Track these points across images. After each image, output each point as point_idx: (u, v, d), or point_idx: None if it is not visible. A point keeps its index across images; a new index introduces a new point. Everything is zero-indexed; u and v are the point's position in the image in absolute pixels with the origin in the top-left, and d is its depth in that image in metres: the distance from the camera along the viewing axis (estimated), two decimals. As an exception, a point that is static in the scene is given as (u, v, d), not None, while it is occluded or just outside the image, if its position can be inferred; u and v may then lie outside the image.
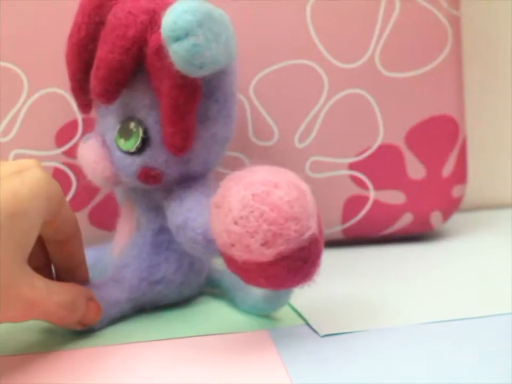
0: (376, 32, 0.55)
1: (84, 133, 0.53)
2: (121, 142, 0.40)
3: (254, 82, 0.54)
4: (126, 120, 0.40)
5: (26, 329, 0.40)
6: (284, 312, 0.42)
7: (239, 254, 0.33)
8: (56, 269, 0.40)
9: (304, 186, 0.35)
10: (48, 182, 0.35)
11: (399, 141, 0.57)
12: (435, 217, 0.58)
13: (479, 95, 0.70)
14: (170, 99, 0.37)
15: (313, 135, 0.55)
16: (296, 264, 0.33)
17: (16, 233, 0.32)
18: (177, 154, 0.39)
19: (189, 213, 0.39)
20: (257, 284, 0.35)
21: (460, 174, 0.58)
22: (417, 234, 0.60)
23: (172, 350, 0.36)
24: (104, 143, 0.41)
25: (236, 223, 0.33)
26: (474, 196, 0.69)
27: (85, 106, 0.43)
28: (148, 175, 0.40)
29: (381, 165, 0.56)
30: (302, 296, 0.44)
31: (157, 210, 0.43)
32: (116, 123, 0.41)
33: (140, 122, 0.40)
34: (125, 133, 0.40)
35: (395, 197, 0.57)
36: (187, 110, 0.38)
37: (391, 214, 0.58)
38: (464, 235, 0.61)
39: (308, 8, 0.54)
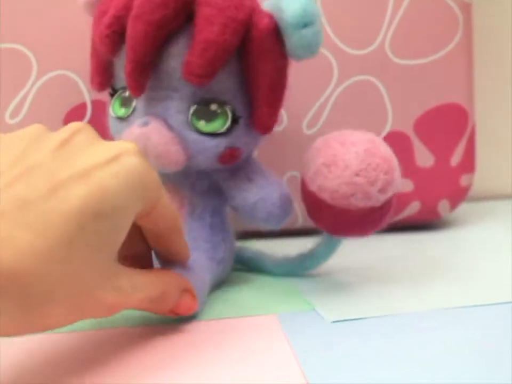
0: (387, 19, 0.55)
1: (92, 116, 0.53)
2: (201, 124, 0.40)
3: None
4: (202, 102, 0.40)
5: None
6: (292, 298, 0.42)
7: (357, 203, 0.39)
8: (156, 254, 0.38)
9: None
10: (144, 170, 0.31)
11: (407, 129, 0.57)
12: (442, 206, 0.58)
13: (488, 84, 0.70)
14: (272, 80, 0.40)
15: (321, 121, 0.55)
16: (390, 208, 0.41)
17: (102, 234, 0.29)
18: (266, 133, 0.42)
19: (263, 190, 0.42)
20: (352, 232, 0.42)
21: (468, 163, 0.58)
22: (425, 223, 0.60)
23: (178, 335, 0.36)
24: (169, 126, 0.40)
25: (357, 175, 0.39)
26: (482, 185, 0.68)
27: (142, 87, 0.39)
28: (231, 155, 0.41)
29: (389, 153, 0.56)
30: (310, 283, 0.44)
31: (213, 191, 0.44)
32: (185, 106, 0.40)
33: (224, 104, 0.40)
34: (205, 115, 0.40)
35: (403, 185, 0.57)
36: (282, 90, 0.42)
37: (398, 201, 0.57)
38: (472, 224, 0.61)
39: (319, -6, 0.54)
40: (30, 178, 0.28)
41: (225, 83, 0.40)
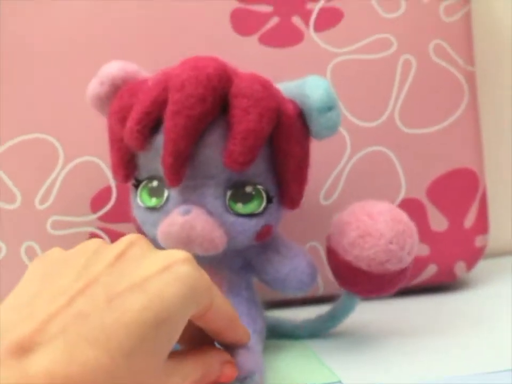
0: (394, 91, 0.57)
1: (117, 199, 0.55)
2: (239, 206, 0.42)
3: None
4: (237, 186, 0.42)
5: None
6: (317, 369, 0.43)
7: (392, 267, 0.44)
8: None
9: None
10: (197, 278, 0.33)
11: (420, 195, 0.58)
12: (459, 267, 0.60)
13: (496, 144, 0.71)
14: (300, 160, 0.44)
15: (337, 192, 0.57)
16: (411, 266, 0.46)
17: (160, 342, 0.30)
18: (294, 208, 0.45)
19: (292, 261, 0.45)
20: (380, 293, 0.46)
21: (482, 224, 0.60)
22: (442, 284, 0.61)
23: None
24: (208, 212, 0.42)
25: (391, 242, 0.43)
26: (497, 242, 0.70)
27: (180, 179, 0.41)
28: (267, 232, 0.44)
29: (404, 219, 0.58)
30: (333, 351, 0.46)
31: (246, 268, 0.46)
32: (222, 191, 0.42)
33: (257, 185, 0.43)
34: (241, 198, 0.42)
35: (419, 249, 0.57)
36: (308, 168, 0.45)
37: (415, 266, 0.58)
38: (489, 282, 0.62)
39: (329, 70, 0.57)
40: (89, 294, 0.30)
41: (258, 166, 0.42)
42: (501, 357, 0.42)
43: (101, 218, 0.55)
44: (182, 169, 0.40)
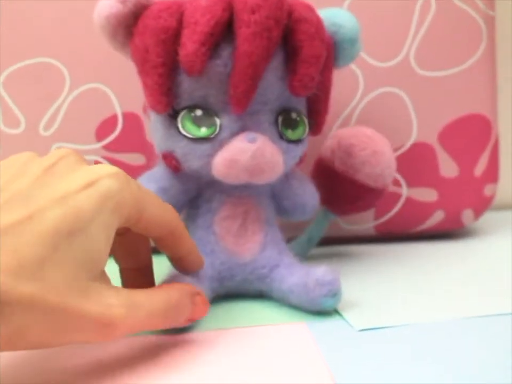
0: (412, 31, 0.56)
1: (123, 128, 0.54)
2: (289, 132, 0.42)
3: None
4: (283, 112, 0.41)
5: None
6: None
7: (388, 182, 0.50)
8: (171, 263, 0.39)
9: None
10: (120, 191, 0.32)
11: (432, 140, 0.57)
12: (466, 216, 0.59)
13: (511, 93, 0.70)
14: (329, 90, 0.44)
15: (348, 132, 0.56)
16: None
17: (76, 253, 0.30)
18: (315, 135, 0.45)
19: (309, 187, 0.47)
20: (370, 208, 0.52)
21: (492, 173, 0.59)
22: (448, 232, 0.61)
23: (212, 341, 0.37)
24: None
25: (390, 160, 0.50)
26: (505, 195, 0.69)
27: (247, 105, 0.39)
28: (303, 158, 0.45)
29: (414, 163, 0.57)
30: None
31: (269, 197, 0.45)
32: (274, 117, 0.41)
33: (299, 112, 0.42)
34: (290, 124, 0.42)
35: (427, 195, 0.58)
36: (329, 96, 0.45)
37: (423, 211, 0.58)
38: (495, 233, 0.62)
39: (345, 7, 0.55)
40: (11, 205, 0.29)
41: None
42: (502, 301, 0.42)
43: (106, 147, 0.54)
44: (252, 95, 0.39)
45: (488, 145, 0.58)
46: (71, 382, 0.32)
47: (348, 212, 0.52)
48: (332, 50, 0.43)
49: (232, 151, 0.39)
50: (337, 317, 0.41)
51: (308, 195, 0.47)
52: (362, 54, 0.55)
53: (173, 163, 0.42)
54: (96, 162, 0.54)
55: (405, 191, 0.57)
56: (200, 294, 0.37)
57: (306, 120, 0.43)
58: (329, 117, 0.55)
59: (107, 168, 0.32)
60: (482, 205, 0.59)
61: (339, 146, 0.49)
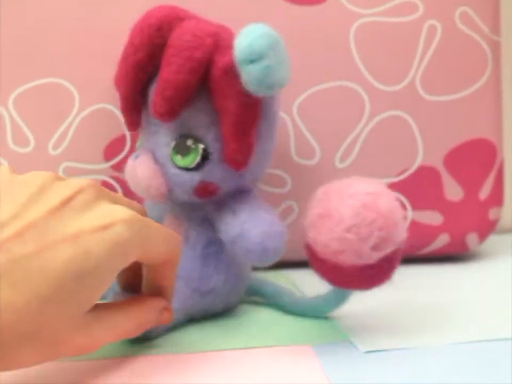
0: (418, 56, 0.57)
1: (132, 148, 0.55)
2: (178, 158, 0.42)
3: (297, 102, 0.56)
4: (182, 137, 0.42)
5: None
6: (326, 328, 0.43)
7: (347, 259, 0.37)
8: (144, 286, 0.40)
9: (394, 194, 0.39)
10: (129, 238, 0.33)
11: (437, 163, 0.58)
12: (471, 239, 0.59)
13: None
14: (236, 117, 0.40)
15: (353, 155, 0.57)
16: (391, 265, 0.39)
17: (79, 295, 0.31)
18: (237, 169, 0.42)
19: (244, 224, 0.41)
20: (348, 286, 0.40)
21: (497, 197, 0.59)
22: (453, 255, 0.61)
23: (214, 363, 0.37)
24: (156, 160, 0.43)
25: (348, 231, 0.36)
26: (510, 218, 0.69)
27: (134, 124, 0.44)
28: (205, 190, 0.42)
29: (420, 186, 0.58)
30: (342, 312, 0.45)
31: (206, 223, 0.44)
32: (169, 140, 0.42)
33: (198, 140, 0.42)
34: (181, 149, 0.42)
35: (432, 218, 0.58)
36: (250, 126, 0.41)
37: (427, 234, 0.58)
38: (500, 256, 0.62)
39: (352, 32, 0.56)
40: (22, 238, 0.30)
41: (198, 119, 0.42)
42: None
43: (114, 167, 0.55)
44: (132, 116, 0.44)
45: (493, 169, 0.58)
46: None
47: (332, 284, 0.41)
48: (235, 74, 0.39)
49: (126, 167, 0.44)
50: (343, 339, 0.41)
51: (238, 234, 0.41)
52: (369, 78, 0.56)
53: None
54: (104, 182, 0.55)
55: (410, 213, 0.58)
56: (168, 309, 0.39)
57: (201, 149, 0.41)
58: (334, 141, 0.56)
59: (123, 213, 0.33)
60: (487, 228, 0.60)
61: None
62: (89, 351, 0.33)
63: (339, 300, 0.43)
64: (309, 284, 0.52)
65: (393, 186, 0.57)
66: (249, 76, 0.38)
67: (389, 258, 0.38)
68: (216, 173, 0.42)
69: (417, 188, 0.58)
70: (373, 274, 0.38)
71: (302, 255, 0.57)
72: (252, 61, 0.38)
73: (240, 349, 0.39)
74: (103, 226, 0.32)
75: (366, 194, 0.37)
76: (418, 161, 0.57)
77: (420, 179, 0.58)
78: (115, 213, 0.33)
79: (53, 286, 0.30)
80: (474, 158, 0.58)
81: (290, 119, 0.56)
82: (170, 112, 0.40)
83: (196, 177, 0.42)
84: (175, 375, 0.36)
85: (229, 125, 0.40)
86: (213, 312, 0.45)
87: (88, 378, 0.35)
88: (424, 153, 0.57)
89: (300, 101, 0.56)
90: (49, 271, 0.30)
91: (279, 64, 0.38)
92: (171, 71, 0.40)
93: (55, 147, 0.55)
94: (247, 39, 0.38)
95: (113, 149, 0.55)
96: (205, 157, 0.42)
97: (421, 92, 0.57)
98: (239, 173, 0.42)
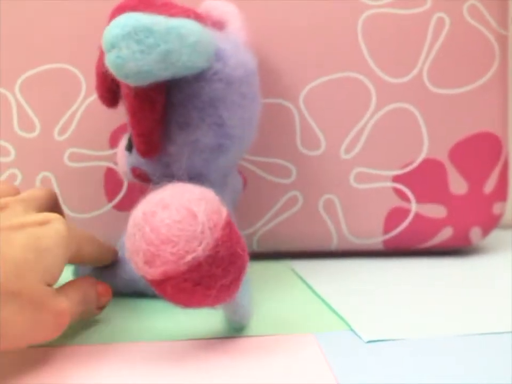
0: (425, 49, 0.57)
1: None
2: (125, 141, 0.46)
3: (304, 92, 0.56)
4: None
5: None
6: (328, 317, 0.43)
7: (133, 267, 0.35)
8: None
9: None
10: (66, 234, 0.36)
11: (442, 156, 0.58)
12: (474, 233, 0.59)
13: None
14: (128, 105, 0.41)
15: (359, 146, 0.57)
16: (185, 285, 0.34)
17: (43, 265, 0.34)
18: (142, 156, 0.43)
19: None
20: (167, 299, 0.35)
21: (501, 191, 0.59)
22: (456, 249, 0.61)
23: (217, 350, 0.37)
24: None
25: (128, 239, 0.34)
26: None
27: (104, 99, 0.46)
28: (135, 174, 0.45)
29: (424, 179, 0.58)
30: (345, 302, 0.45)
31: None
32: None
33: None
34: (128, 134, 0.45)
35: (436, 211, 0.58)
36: (143, 116, 0.41)
37: (431, 227, 0.58)
38: (503, 251, 0.62)
39: (360, 23, 0.56)
40: None
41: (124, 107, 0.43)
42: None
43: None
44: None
45: (498, 164, 0.58)
46: None
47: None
48: None
49: None
50: (345, 328, 0.41)
51: None
52: (376, 69, 0.56)
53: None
54: (109, 169, 0.55)
55: (414, 206, 0.58)
56: (101, 284, 0.42)
57: (129, 135, 0.45)
58: (340, 132, 0.56)
59: (55, 215, 0.37)
60: (491, 222, 0.60)
61: None
62: (65, 319, 0.35)
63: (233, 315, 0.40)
64: (313, 275, 0.53)
65: (398, 179, 0.57)
66: (108, 65, 0.37)
67: (175, 278, 0.33)
68: (140, 159, 0.44)
69: (422, 180, 0.58)
70: (165, 292, 0.34)
71: (305, 245, 0.58)
72: (106, 51, 0.37)
73: (242, 337, 0.39)
74: (42, 221, 0.36)
75: (154, 204, 0.34)
76: (423, 154, 0.57)
77: (424, 172, 0.58)
78: (49, 215, 0.37)
79: (20, 257, 0.33)
80: (479, 152, 0.58)
81: (297, 109, 0.56)
82: (100, 98, 0.45)
83: (129, 160, 0.45)
84: (174, 361, 0.36)
85: (126, 112, 0.42)
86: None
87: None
88: (429, 146, 0.57)
89: (306, 92, 0.56)
90: (16, 244, 0.33)
91: (137, 53, 0.37)
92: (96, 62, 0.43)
93: (61, 133, 0.55)
94: (111, 26, 0.37)
95: (118, 135, 0.54)
96: (130, 142, 0.44)
97: (427, 84, 0.57)
98: (161, 161, 0.44)
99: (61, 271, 0.36)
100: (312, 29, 0.55)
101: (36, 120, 0.54)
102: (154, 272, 0.33)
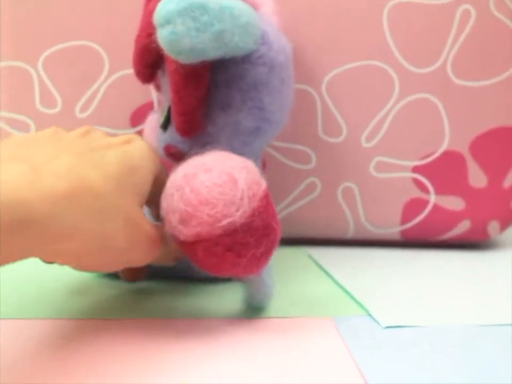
0: (450, 40, 0.56)
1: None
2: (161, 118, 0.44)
3: (326, 79, 0.55)
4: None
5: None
6: (348, 302, 0.43)
7: (167, 227, 0.35)
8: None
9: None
10: (150, 149, 0.38)
11: (463, 149, 0.57)
12: (492, 227, 0.59)
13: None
14: (173, 83, 0.40)
15: (380, 135, 0.56)
16: (216, 250, 0.34)
17: (133, 183, 0.35)
18: (182, 135, 0.42)
19: None
20: (195, 263, 0.36)
21: (521, 186, 0.59)
22: (473, 242, 0.61)
23: (238, 329, 0.37)
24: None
25: (165, 198, 0.35)
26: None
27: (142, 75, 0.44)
28: (169, 152, 0.43)
29: (444, 171, 0.57)
30: (362, 288, 0.45)
31: None
32: (166, 102, 0.44)
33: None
34: (165, 111, 0.44)
35: (455, 203, 0.58)
36: (187, 94, 0.40)
37: (449, 219, 0.58)
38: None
39: (385, 12, 0.55)
40: (70, 147, 0.34)
41: (167, 83, 0.42)
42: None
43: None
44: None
45: (518, 158, 0.58)
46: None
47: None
48: None
49: None
50: (364, 313, 0.41)
51: None
52: (400, 59, 0.56)
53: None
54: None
55: (432, 197, 0.58)
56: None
57: (167, 112, 0.43)
58: (361, 120, 0.56)
59: (133, 134, 0.38)
60: (509, 217, 0.59)
61: None
62: (157, 245, 0.36)
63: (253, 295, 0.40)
64: (329, 261, 0.53)
65: (417, 169, 0.57)
66: (159, 40, 0.37)
67: (208, 241, 0.34)
68: (177, 137, 0.42)
69: (442, 172, 0.57)
70: (196, 254, 0.35)
71: (322, 232, 0.58)
72: (159, 26, 0.36)
73: (262, 318, 0.39)
74: (126, 140, 0.37)
75: (195, 166, 0.35)
76: (444, 146, 0.57)
77: (444, 163, 0.57)
78: (129, 135, 0.38)
79: (119, 173, 0.34)
80: (500, 146, 0.58)
81: (319, 96, 0.56)
82: (137, 74, 0.43)
83: (163, 138, 0.44)
84: (190, 340, 0.36)
85: (170, 89, 0.41)
86: None
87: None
88: (450, 138, 0.57)
89: (329, 78, 0.55)
90: (112, 163, 0.34)
91: (192, 30, 0.36)
92: (138, 39, 0.41)
93: (82, 110, 0.55)
94: (159, 4, 0.36)
95: (139, 115, 0.55)
96: (168, 119, 0.43)
97: (451, 75, 0.57)
98: (200, 140, 0.42)
99: (147, 191, 0.36)
100: (337, 16, 0.55)
101: (58, 96, 0.54)
102: (188, 232, 0.34)
